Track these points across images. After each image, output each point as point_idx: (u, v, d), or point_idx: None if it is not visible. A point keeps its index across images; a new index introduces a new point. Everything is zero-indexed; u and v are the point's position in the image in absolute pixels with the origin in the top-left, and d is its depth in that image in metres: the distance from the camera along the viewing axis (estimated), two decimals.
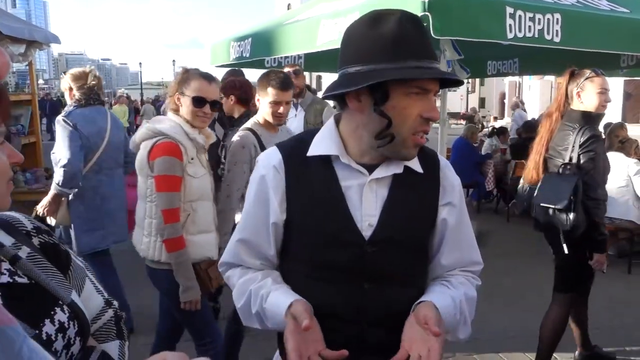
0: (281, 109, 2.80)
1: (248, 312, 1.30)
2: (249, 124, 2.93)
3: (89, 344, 0.89)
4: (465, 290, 1.33)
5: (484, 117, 26.92)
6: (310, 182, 1.27)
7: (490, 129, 13.09)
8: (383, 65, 1.15)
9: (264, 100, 2.84)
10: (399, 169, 1.26)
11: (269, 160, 1.31)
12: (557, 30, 3.19)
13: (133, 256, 5.58)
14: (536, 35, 3.15)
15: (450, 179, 1.35)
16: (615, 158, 4.93)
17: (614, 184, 4.80)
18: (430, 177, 1.31)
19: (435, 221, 1.33)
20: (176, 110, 2.47)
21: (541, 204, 2.96)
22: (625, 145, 5.07)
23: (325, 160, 1.26)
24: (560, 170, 2.89)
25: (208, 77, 2.47)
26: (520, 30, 3.08)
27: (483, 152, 8.65)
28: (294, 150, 1.31)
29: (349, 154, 1.27)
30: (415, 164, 1.28)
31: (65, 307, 0.82)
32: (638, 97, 22.20)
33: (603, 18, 3.57)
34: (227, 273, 1.41)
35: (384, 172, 1.26)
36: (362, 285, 1.25)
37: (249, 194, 1.35)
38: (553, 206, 2.85)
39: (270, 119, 2.83)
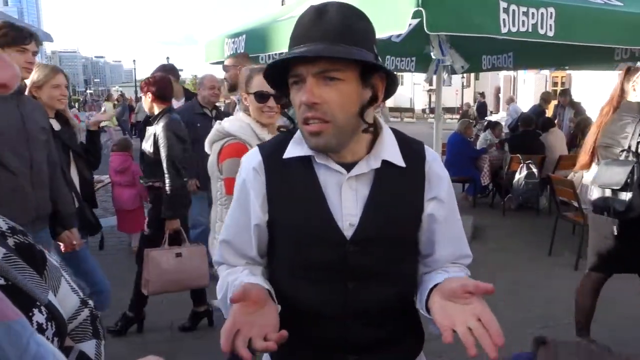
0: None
1: (224, 305, 1.29)
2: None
3: (66, 344, 0.88)
4: (464, 275, 1.28)
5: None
6: (291, 183, 1.25)
7: (484, 123, 13.10)
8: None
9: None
10: (376, 164, 1.23)
11: (249, 163, 1.30)
12: (550, 25, 3.21)
13: (127, 255, 5.57)
14: (530, 30, 3.16)
15: (437, 172, 1.30)
16: None
17: None
18: (414, 170, 1.27)
19: (421, 217, 1.29)
20: (247, 110, 2.44)
21: (599, 185, 3.15)
22: None
23: (305, 160, 1.24)
24: (622, 156, 3.04)
25: None
26: (514, 25, 3.09)
27: (478, 146, 8.66)
28: (274, 151, 1.29)
29: (328, 154, 1.24)
30: (397, 158, 1.25)
31: (42, 308, 0.81)
32: None
33: (597, 12, 3.58)
34: (217, 269, 1.42)
35: (362, 168, 1.22)
36: (346, 284, 1.23)
37: (233, 197, 1.35)
38: (611, 187, 3.05)
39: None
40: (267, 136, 2.35)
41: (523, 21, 3.10)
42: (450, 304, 1.09)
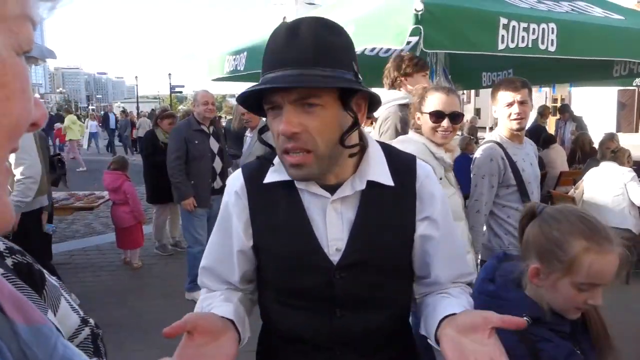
0: (517, 109, 2.64)
1: None
2: (493, 136, 2.83)
3: None
4: (466, 297, 1.23)
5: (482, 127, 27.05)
6: (274, 207, 1.19)
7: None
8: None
9: (498, 108, 2.72)
10: (361, 185, 1.16)
11: (232, 187, 1.25)
12: (552, 40, 3.21)
13: (126, 271, 5.55)
14: (530, 45, 3.16)
15: (429, 190, 1.22)
16: (609, 168, 4.95)
17: (609, 193, 4.81)
18: (404, 189, 1.20)
19: (412, 238, 1.21)
20: (418, 129, 2.40)
21: None
22: (618, 155, 5.09)
23: (287, 184, 1.18)
24: None
25: (445, 90, 2.34)
26: (512, 41, 3.09)
27: None
28: (256, 174, 1.23)
29: None
30: (383, 177, 1.17)
31: None
32: (632, 107, 22.34)
33: (597, 27, 3.60)
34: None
35: (345, 191, 1.16)
36: (334, 311, 1.17)
37: (217, 222, 1.30)
38: None
39: (512, 126, 2.69)
40: (444, 155, 2.32)
41: (523, 37, 3.11)
42: (466, 341, 0.99)
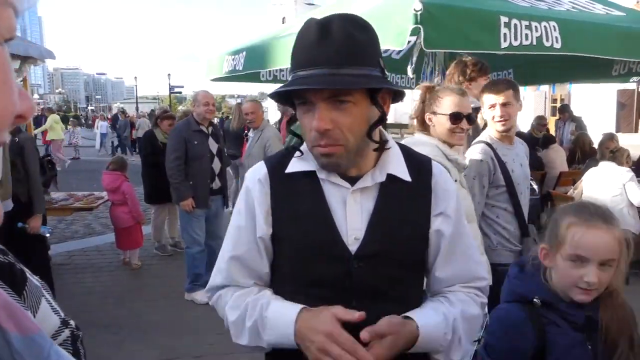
0: (499, 112, 2.67)
1: (240, 327, 1.23)
2: (483, 136, 2.82)
3: None
4: (463, 308, 1.24)
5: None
6: (296, 196, 1.24)
7: None
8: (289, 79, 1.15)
9: (484, 110, 2.73)
10: (381, 178, 1.21)
11: (255, 175, 1.29)
12: (556, 37, 3.17)
13: (125, 272, 5.55)
14: (534, 43, 3.11)
15: (445, 187, 1.28)
16: (608, 168, 4.95)
17: (608, 194, 4.81)
18: (421, 185, 1.25)
19: (427, 233, 1.26)
20: (422, 131, 2.36)
21: None
22: (617, 155, 5.10)
23: (310, 174, 1.23)
24: None
25: (459, 91, 2.36)
26: (516, 39, 3.05)
27: None
28: (279, 164, 1.28)
29: None
30: (402, 172, 1.23)
31: None
32: (631, 107, 22.33)
33: (599, 25, 3.58)
34: (214, 296, 1.33)
35: (366, 182, 1.21)
36: (351, 302, 1.17)
37: (239, 210, 1.30)
38: None
39: (497, 127, 2.72)
40: (458, 157, 2.31)
41: (526, 34, 3.06)
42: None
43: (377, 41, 1.17)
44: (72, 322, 1.00)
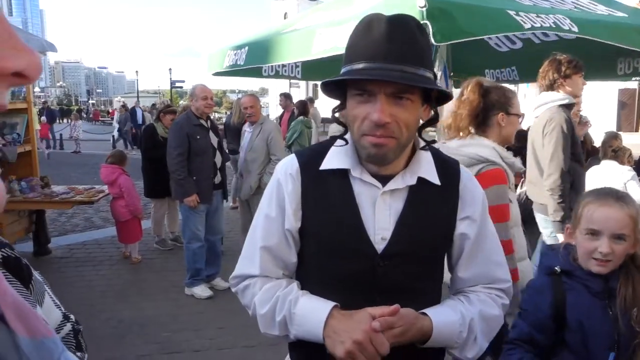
0: None
1: (271, 319, 1.26)
2: None
3: None
4: (481, 307, 1.28)
5: None
6: (326, 193, 1.26)
7: None
8: (343, 69, 1.17)
9: None
10: (412, 181, 1.24)
11: (287, 168, 1.31)
12: (570, 24, 3.14)
13: (126, 265, 5.55)
14: (553, 25, 3.08)
15: (472, 191, 1.31)
16: (609, 166, 4.94)
17: None
18: (449, 189, 1.28)
19: (452, 235, 1.30)
20: (483, 133, 2.27)
21: None
22: (619, 154, 5.09)
23: (341, 172, 1.26)
24: None
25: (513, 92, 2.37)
26: (535, 22, 3.00)
27: None
28: (311, 160, 1.30)
29: (363, 166, 1.25)
30: (432, 176, 1.26)
31: None
32: (633, 107, 22.33)
33: (605, 19, 3.56)
34: (241, 284, 1.35)
35: (397, 184, 1.24)
36: (374, 297, 1.22)
37: (269, 201, 1.32)
38: None
39: None
40: (515, 160, 2.27)
41: (542, 20, 3.03)
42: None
43: (431, 44, 1.24)
44: (72, 317, 1.03)
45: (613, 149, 5.16)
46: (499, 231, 2.03)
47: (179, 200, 4.72)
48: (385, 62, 1.10)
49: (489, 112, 2.26)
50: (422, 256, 1.26)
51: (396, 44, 1.11)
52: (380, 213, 1.23)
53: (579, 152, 3.28)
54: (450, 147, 2.23)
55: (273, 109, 38.49)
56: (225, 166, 5.04)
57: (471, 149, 2.21)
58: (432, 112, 1.24)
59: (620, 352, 1.53)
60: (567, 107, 3.19)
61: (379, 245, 1.22)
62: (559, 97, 3.16)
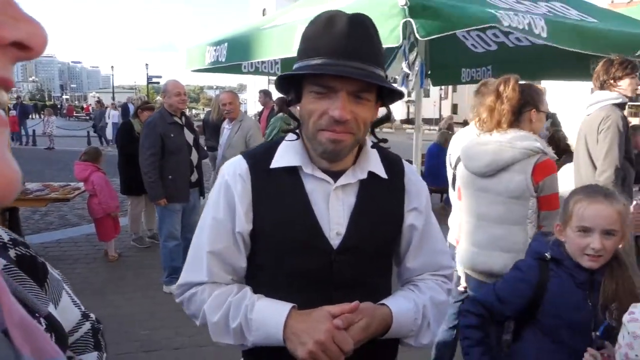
0: None
1: (224, 327, 1.23)
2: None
3: (67, 355, 0.88)
4: (432, 294, 1.32)
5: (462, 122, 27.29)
6: (277, 192, 1.25)
7: None
8: (297, 64, 1.17)
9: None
10: (363, 175, 1.26)
11: (235, 169, 1.28)
12: (542, 27, 3.19)
13: (103, 263, 5.47)
14: (526, 28, 3.11)
15: (416, 184, 1.36)
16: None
17: None
18: (395, 182, 1.32)
19: (401, 227, 1.33)
20: (519, 126, 2.40)
21: None
22: None
23: (292, 170, 1.25)
24: None
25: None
26: (512, 21, 3.04)
27: None
28: (260, 159, 1.28)
29: (314, 162, 1.25)
30: (379, 170, 1.29)
31: (42, 320, 0.81)
32: None
33: (576, 24, 3.64)
34: (188, 292, 1.30)
35: (349, 178, 1.25)
36: (330, 294, 1.22)
37: (216, 204, 1.28)
38: None
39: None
40: (551, 151, 2.40)
41: (518, 20, 3.07)
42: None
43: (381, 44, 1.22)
44: (92, 316, 1.03)
45: None
46: (559, 218, 2.02)
47: (152, 201, 4.67)
48: (347, 60, 1.10)
49: (523, 108, 2.40)
50: (375, 249, 1.28)
51: (357, 41, 1.12)
52: (334, 208, 1.24)
53: (630, 150, 3.36)
54: (502, 140, 2.36)
55: (251, 106, 38.28)
56: (202, 163, 5.00)
57: (525, 142, 2.34)
58: (386, 110, 1.29)
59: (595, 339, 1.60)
60: (620, 106, 3.27)
61: (334, 241, 1.23)
62: (613, 96, 3.24)
